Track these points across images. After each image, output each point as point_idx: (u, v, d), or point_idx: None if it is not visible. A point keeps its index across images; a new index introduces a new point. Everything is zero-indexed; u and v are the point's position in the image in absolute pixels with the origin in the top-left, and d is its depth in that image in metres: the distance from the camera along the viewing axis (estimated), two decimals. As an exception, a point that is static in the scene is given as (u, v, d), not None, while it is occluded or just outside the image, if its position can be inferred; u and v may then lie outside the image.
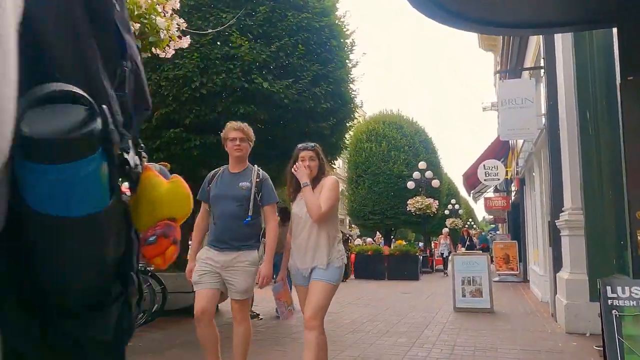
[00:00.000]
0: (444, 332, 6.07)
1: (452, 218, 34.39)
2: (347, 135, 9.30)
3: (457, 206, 36.90)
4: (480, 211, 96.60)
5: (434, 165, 21.35)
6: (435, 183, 19.62)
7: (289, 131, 7.06)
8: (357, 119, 10.36)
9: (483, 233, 26.97)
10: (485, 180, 13.52)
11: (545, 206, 7.89)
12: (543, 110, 7.38)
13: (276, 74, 6.94)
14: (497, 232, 32.20)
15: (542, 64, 7.23)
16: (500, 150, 14.30)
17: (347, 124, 8.59)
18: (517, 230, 19.52)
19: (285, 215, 6.11)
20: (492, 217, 43.25)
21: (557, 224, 6.24)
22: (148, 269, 6.11)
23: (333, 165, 10.49)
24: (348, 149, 24.49)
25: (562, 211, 6.08)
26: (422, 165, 19.32)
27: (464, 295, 7.82)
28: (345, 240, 14.54)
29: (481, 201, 32.48)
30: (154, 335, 5.69)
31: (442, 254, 17.71)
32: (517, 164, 12.02)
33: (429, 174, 19.38)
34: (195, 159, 6.78)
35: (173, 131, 6.63)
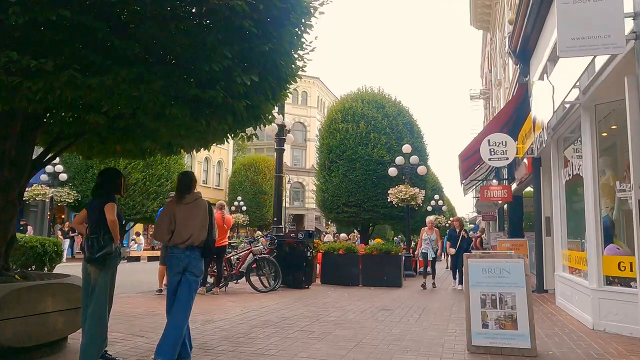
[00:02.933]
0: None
1: (436, 214, 31.52)
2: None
3: (440, 202, 34.10)
4: (462, 209, 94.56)
5: (419, 152, 18.29)
6: (422, 170, 16.57)
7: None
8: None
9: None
10: (490, 159, 10.44)
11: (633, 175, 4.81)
12: (633, 5, 4.30)
13: None
14: (476, 231, 29.00)
15: None
16: (509, 121, 11.23)
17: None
18: (517, 228, 16.64)
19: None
20: (475, 214, 40.64)
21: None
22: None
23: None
24: (320, 130, 21.36)
25: None
26: (406, 148, 16.24)
27: (485, 325, 4.66)
28: (309, 235, 11.30)
29: (469, 195, 29.75)
30: None
31: (425, 254, 11.61)
32: (545, 132, 8.75)
33: (414, 159, 16.31)
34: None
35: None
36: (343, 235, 18.20)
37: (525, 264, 4.72)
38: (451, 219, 13.12)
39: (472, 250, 17.69)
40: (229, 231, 9.70)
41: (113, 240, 3.88)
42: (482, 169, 17.63)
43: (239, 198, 35.55)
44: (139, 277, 12.66)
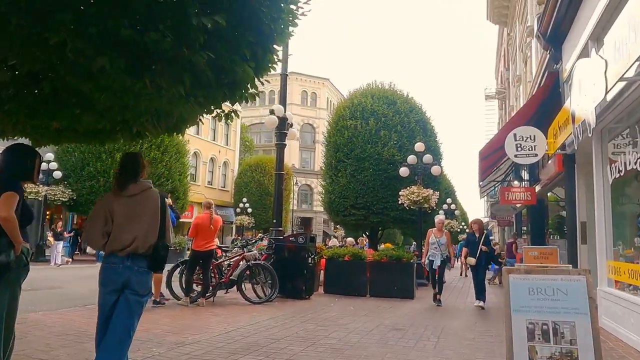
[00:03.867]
0: None
1: (448, 219, 30.16)
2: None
3: (453, 206, 32.78)
4: (473, 214, 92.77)
5: (433, 151, 17.06)
6: (436, 170, 15.33)
7: None
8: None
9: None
10: (516, 156, 9.21)
11: None
12: None
13: None
14: (490, 237, 27.45)
15: None
16: (535, 115, 9.98)
17: None
18: (538, 235, 15.32)
19: None
20: (487, 219, 39.03)
21: None
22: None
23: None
24: (327, 128, 20.20)
25: None
26: (419, 146, 15.02)
27: (533, 365, 3.46)
28: (311, 239, 10.13)
29: (481, 200, 28.34)
30: None
31: (432, 262, 9.54)
32: (590, 121, 7.39)
33: (427, 158, 15.09)
34: None
35: None
36: (350, 239, 16.95)
37: (588, 282, 3.51)
38: (470, 221, 10.42)
39: (500, 260, 16.11)
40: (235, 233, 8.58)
41: (13, 246, 2.75)
42: (501, 169, 16.36)
43: (245, 200, 34.49)
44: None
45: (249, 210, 34.27)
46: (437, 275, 9.54)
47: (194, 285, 8.12)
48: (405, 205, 14.56)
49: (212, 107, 4.12)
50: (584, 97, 6.69)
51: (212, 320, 6.60)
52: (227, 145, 39.28)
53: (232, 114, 4.35)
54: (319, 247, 11.03)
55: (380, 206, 16.33)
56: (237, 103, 4.03)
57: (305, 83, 55.12)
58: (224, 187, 39.17)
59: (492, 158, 11.11)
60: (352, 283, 10.55)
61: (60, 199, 19.77)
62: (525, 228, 20.65)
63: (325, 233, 47.92)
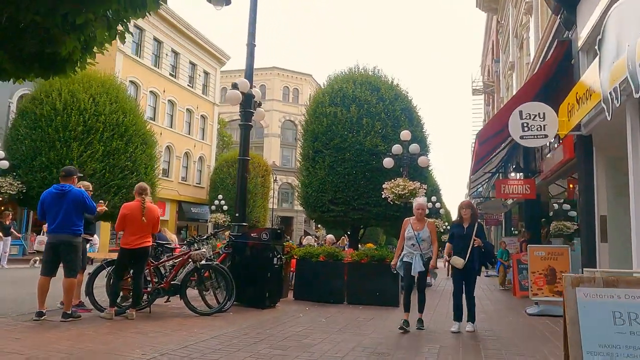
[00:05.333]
0: None
1: (433, 218, 28.80)
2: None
3: (438, 204, 31.42)
4: (456, 213, 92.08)
5: (420, 143, 15.52)
6: (423, 161, 13.84)
7: None
8: None
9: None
10: (523, 137, 7.69)
11: None
12: None
13: None
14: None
15: None
16: (542, 91, 8.49)
17: None
18: (534, 234, 13.91)
19: None
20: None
21: None
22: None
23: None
24: (305, 116, 18.57)
25: None
26: (405, 135, 13.51)
27: None
28: (277, 235, 8.49)
29: (468, 198, 26.99)
30: None
31: (408, 265, 6.45)
32: (630, 82, 5.82)
33: (414, 147, 13.59)
34: None
35: None
36: (330, 236, 15.37)
37: None
38: (459, 205, 7.10)
39: (504, 263, 14.39)
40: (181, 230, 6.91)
41: None
42: (492, 162, 14.94)
43: (220, 197, 32.65)
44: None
45: (225, 207, 32.46)
46: (416, 285, 6.44)
47: (123, 292, 6.43)
48: (389, 199, 13.03)
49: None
50: (628, 50, 5.17)
51: (131, 342, 4.91)
52: (203, 139, 37.40)
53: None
54: (288, 245, 9.39)
55: (362, 202, 14.76)
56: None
57: (287, 79, 53.57)
58: (199, 183, 37.26)
59: (491, 142, 9.61)
60: (327, 288, 8.96)
61: (8, 191, 17.77)
62: (514, 228, 19.33)
63: (307, 232, 46.35)
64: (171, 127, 33.09)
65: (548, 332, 6.52)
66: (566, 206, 11.82)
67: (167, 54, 32.38)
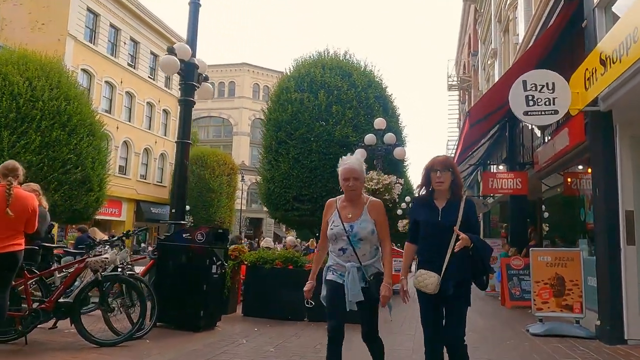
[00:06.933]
0: None
1: (406, 220, 27.36)
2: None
3: (412, 204, 30.02)
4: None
5: (395, 134, 13.99)
6: (400, 153, 12.28)
7: None
8: None
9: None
10: (527, 113, 6.15)
11: None
12: None
13: None
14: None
15: None
16: (545, 62, 6.97)
17: None
18: (520, 233, 12.48)
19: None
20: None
21: None
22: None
23: None
24: (268, 103, 16.85)
25: None
26: (379, 123, 11.94)
27: None
28: (218, 237, 6.69)
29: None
30: None
31: (335, 287, 3.25)
32: None
33: (389, 137, 12.03)
34: None
35: None
36: (290, 239, 13.64)
37: None
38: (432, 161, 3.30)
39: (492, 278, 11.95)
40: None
41: None
42: (473, 157, 13.48)
43: (182, 196, 30.52)
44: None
45: (187, 207, 30.36)
46: (361, 328, 3.29)
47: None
48: (361, 196, 11.37)
49: None
50: None
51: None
52: (165, 135, 35.13)
53: None
54: (235, 249, 7.62)
55: (330, 198, 13.13)
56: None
57: (257, 75, 51.73)
58: (161, 182, 34.96)
59: (485, 124, 8.03)
60: (284, 302, 7.20)
61: None
62: (503, 229, 17.81)
63: (277, 235, 44.52)
64: (129, 121, 30.81)
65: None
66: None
67: (125, 43, 30.10)
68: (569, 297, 6.52)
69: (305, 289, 3.39)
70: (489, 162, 15.61)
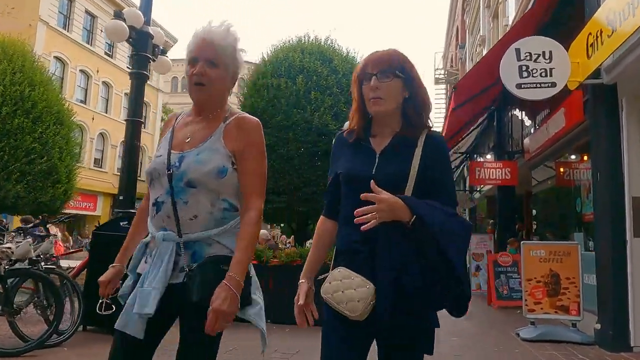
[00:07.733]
0: None
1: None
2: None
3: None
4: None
5: (378, 124, 13.18)
6: (382, 141, 11.44)
7: None
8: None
9: None
10: (521, 86, 5.37)
11: None
12: None
13: None
14: None
15: None
16: (541, 31, 6.21)
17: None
18: (507, 229, 11.75)
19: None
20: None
21: None
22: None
23: None
24: (243, 89, 15.96)
25: None
26: (360, 109, 11.06)
27: None
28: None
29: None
30: None
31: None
32: None
33: (371, 125, 11.16)
34: None
35: None
36: (264, 232, 12.79)
37: None
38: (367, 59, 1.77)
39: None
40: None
41: None
42: (471, 138, 12.66)
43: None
44: None
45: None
46: None
47: None
48: (339, 187, 10.55)
49: None
50: None
51: None
52: (144, 128, 33.86)
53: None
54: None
55: (308, 190, 12.22)
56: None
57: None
58: (140, 176, 33.67)
59: (473, 107, 7.21)
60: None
61: None
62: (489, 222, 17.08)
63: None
64: (106, 113, 29.66)
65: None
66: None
67: (102, 31, 28.87)
68: (565, 297, 5.74)
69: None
70: (475, 155, 14.89)
